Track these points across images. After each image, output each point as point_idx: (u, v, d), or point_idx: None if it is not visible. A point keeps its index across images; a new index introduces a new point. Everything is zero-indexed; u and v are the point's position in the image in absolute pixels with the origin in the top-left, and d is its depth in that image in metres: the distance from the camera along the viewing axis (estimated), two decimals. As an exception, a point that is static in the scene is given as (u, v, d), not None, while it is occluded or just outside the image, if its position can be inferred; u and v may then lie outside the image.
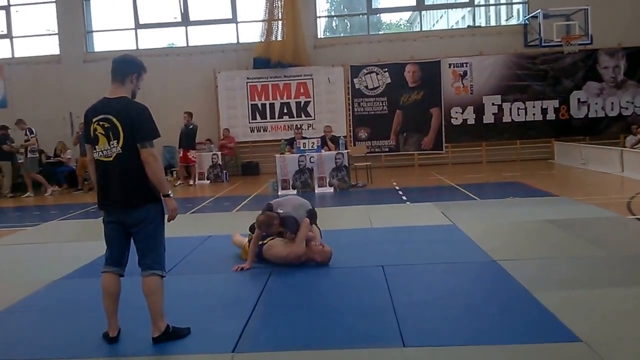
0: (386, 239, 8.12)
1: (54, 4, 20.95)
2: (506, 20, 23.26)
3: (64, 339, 4.78)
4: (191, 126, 17.78)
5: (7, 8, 21.31)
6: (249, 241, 6.99)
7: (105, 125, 4.39)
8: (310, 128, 19.66)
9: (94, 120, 4.44)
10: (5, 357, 4.48)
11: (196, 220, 10.60)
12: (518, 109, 19.83)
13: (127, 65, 4.55)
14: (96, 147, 4.45)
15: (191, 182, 17.60)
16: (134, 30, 20.99)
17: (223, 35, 21.08)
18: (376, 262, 6.78)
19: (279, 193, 14.15)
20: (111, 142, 4.39)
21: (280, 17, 19.85)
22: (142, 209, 4.44)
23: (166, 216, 4.60)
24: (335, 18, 23.41)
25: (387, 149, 20.08)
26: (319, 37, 20.99)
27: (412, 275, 6.25)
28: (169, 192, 4.59)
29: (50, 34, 21.16)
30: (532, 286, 5.51)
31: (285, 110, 20.18)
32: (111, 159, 4.41)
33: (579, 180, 14.66)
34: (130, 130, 4.36)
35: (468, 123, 19.90)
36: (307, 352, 4.32)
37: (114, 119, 4.37)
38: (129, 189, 4.41)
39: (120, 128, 4.36)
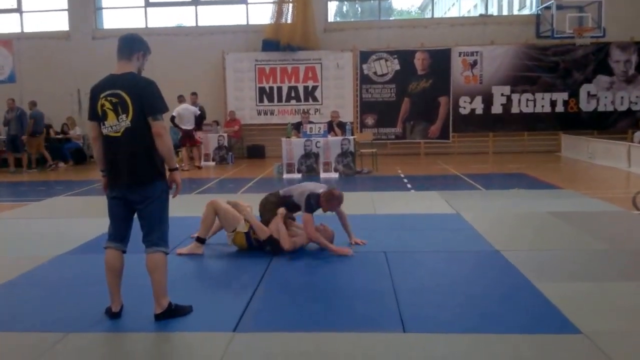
0: (389, 225, 8.13)
1: (65, -21, 20.92)
2: (518, 10, 23.14)
3: (67, 313, 4.81)
4: (197, 107, 17.71)
5: (17, -18, 21.28)
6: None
7: (114, 100, 4.39)
8: (317, 113, 19.63)
9: (101, 96, 4.44)
10: (8, 329, 4.51)
11: (200, 201, 10.56)
12: (527, 100, 19.74)
13: (133, 43, 4.56)
14: (105, 122, 4.45)
15: (197, 163, 17.52)
16: (143, 8, 20.93)
17: (233, 16, 21.00)
18: (379, 248, 6.79)
19: (284, 176, 14.18)
20: (120, 117, 4.39)
21: (290, 0, 19.77)
22: (149, 186, 4.46)
23: (171, 191, 4.62)
24: (345, 2, 23.28)
25: (393, 137, 20.03)
26: (329, 20, 20.90)
27: (415, 262, 6.26)
28: (177, 165, 4.62)
29: (59, 10, 21.09)
30: (535, 277, 5.51)
31: (292, 94, 20.14)
32: (119, 134, 4.42)
33: (585, 174, 14.61)
34: (139, 104, 4.37)
35: (476, 113, 19.83)
36: (307, 334, 4.33)
37: (123, 93, 4.37)
38: (137, 165, 4.42)
39: (129, 102, 4.37)
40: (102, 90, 4.46)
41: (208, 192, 11.88)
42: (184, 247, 6.83)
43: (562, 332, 4.24)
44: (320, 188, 6.90)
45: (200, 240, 6.73)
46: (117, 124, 4.41)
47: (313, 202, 6.69)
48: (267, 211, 6.90)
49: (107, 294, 4.70)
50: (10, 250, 7.20)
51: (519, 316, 4.58)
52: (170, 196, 4.63)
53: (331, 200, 6.73)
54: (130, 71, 4.49)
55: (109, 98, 4.40)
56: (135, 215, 4.62)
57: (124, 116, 4.38)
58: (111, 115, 4.41)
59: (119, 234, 4.63)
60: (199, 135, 17.58)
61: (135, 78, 4.47)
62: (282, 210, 6.78)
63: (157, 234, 4.53)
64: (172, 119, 16.21)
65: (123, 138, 4.42)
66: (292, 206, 6.90)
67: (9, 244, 7.56)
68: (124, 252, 4.67)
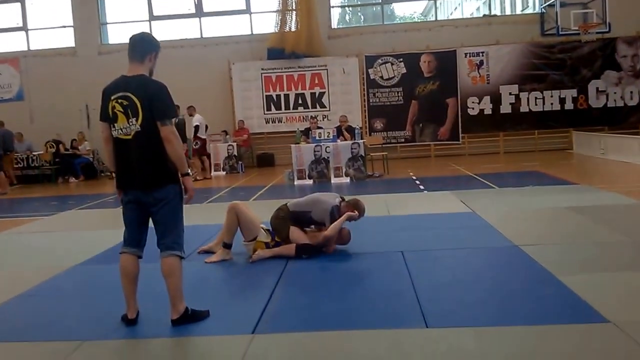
0: (405, 226, 8.03)
1: (69, -4, 21.00)
2: (522, 10, 23.04)
3: (82, 322, 4.74)
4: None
5: (22, 0, 21.38)
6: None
7: (124, 103, 4.33)
8: (325, 119, 19.59)
9: (112, 98, 4.38)
10: (24, 339, 4.45)
11: (213, 210, 10.55)
12: (536, 98, 19.66)
13: (145, 44, 4.51)
14: (115, 125, 4.39)
15: (208, 175, 17.35)
16: (148, 22, 20.98)
17: (237, 26, 21.00)
18: (395, 247, 6.69)
19: (295, 183, 14.11)
20: (130, 120, 4.33)
21: (294, 7, 19.79)
22: (162, 189, 4.39)
23: (185, 197, 4.54)
24: (348, 10, 23.26)
25: (402, 140, 19.97)
26: (333, 27, 20.88)
27: (433, 260, 6.16)
28: (188, 171, 4.54)
29: (65, 27, 21.16)
30: (557, 270, 5.40)
31: (300, 101, 20.13)
32: (130, 136, 4.35)
33: (598, 169, 14.48)
34: (149, 108, 4.30)
35: (485, 113, 19.76)
36: (327, 333, 4.24)
37: (133, 97, 4.31)
38: (149, 168, 4.36)
39: (139, 105, 4.31)
40: (113, 91, 4.40)
41: (220, 201, 11.82)
42: (199, 256, 6.75)
43: (591, 322, 4.13)
44: (333, 197, 6.77)
45: (227, 246, 6.57)
46: (127, 127, 4.35)
47: (336, 216, 6.56)
48: (282, 228, 6.73)
49: (123, 301, 4.62)
50: (26, 262, 7.15)
51: (544, 308, 4.48)
52: (184, 202, 4.56)
53: (357, 209, 6.61)
54: (141, 74, 4.43)
55: (119, 100, 4.35)
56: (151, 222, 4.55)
57: (134, 120, 4.33)
58: (122, 117, 4.35)
59: (134, 239, 4.56)
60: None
61: (147, 82, 4.40)
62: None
63: (171, 237, 4.45)
64: (197, 128, 16.31)
65: (133, 141, 4.36)
66: (307, 222, 6.74)
67: (24, 257, 7.52)
68: (140, 257, 4.59)
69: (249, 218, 6.60)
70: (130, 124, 4.34)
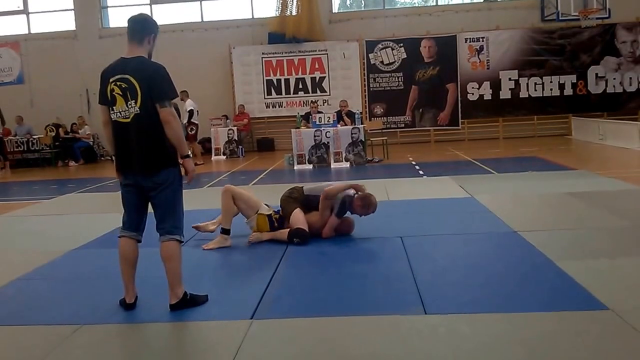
0: (404, 211, 8.04)
1: (69, -21, 20.89)
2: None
3: (81, 305, 4.75)
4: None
5: (22, -16, 21.27)
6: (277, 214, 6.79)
7: (123, 86, 4.30)
8: (325, 104, 19.55)
9: (110, 80, 4.35)
10: (23, 323, 4.46)
11: (213, 194, 10.53)
12: (535, 84, 19.64)
13: (144, 26, 4.47)
14: (114, 107, 4.37)
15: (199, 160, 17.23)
16: (149, 6, 20.85)
17: (238, 10, 20.90)
18: (394, 233, 6.69)
19: (295, 168, 14.12)
20: (129, 103, 4.31)
21: (294, -8, 19.69)
22: (161, 173, 4.36)
23: (185, 178, 4.53)
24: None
25: (402, 125, 19.95)
26: (333, 11, 20.79)
27: (432, 245, 6.17)
28: (188, 152, 4.51)
29: (66, 10, 21.06)
30: (556, 256, 5.40)
31: (300, 86, 20.10)
32: (129, 120, 4.33)
33: (597, 154, 14.48)
34: (147, 90, 4.27)
35: (484, 98, 19.74)
36: (327, 319, 4.25)
37: (132, 79, 4.28)
38: (148, 151, 4.34)
39: (138, 88, 4.28)
40: (111, 74, 4.37)
41: (220, 185, 11.76)
42: (199, 241, 6.74)
43: (589, 309, 4.13)
44: (349, 190, 6.69)
45: (226, 232, 6.51)
46: (126, 110, 4.33)
47: (348, 208, 6.55)
48: (288, 207, 6.69)
49: (121, 286, 4.62)
50: (25, 246, 7.15)
51: (542, 294, 4.48)
52: (185, 181, 4.54)
53: (368, 207, 6.56)
54: (140, 55, 4.40)
55: (118, 83, 4.32)
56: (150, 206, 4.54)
57: (132, 102, 4.30)
58: (120, 100, 4.33)
59: (133, 223, 4.55)
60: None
61: (145, 63, 4.37)
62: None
63: (170, 221, 4.44)
64: (191, 113, 16.23)
65: (132, 124, 4.33)
66: (317, 207, 6.67)
67: (23, 240, 7.53)
68: (139, 241, 4.59)
69: (245, 197, 6.65)
70: (129, 106, 4.31)
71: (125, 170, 4.47)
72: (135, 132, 4.34)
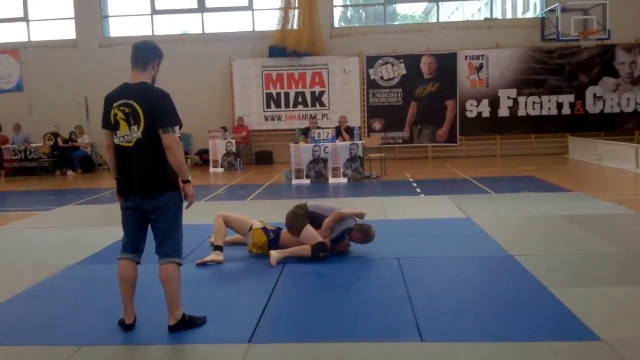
0: (401, 231, 8.08)
1: (71, -12, 20.97)
2: (522, 13, 23.09)
3: (79, 326, 4.78)
4: None
5: (23, -9, 21.33)
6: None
7: (126, 110, 4.36)
8: (324, 118, 19.62)
9: (114, 105, 4.42)
10: (19, 342, 4.48)
11: (211, 208, 10.57)
12: (533, 103, 19.72)
13: (149, 52, 4.53)
14: (117, 132, 4.43)
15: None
16: (150, 16, 20.98)
17: (239, 23, 21.00)
18: (391, 254, 6.76)
19: (293, 182, 14.16)
20: (132, 127, 4.37)
21: (296, 6, 19.80)
22: (162, 196, 4.42)
23: (184, 203, 4.59)
24: (350, 8, 23.28)
25: (400, 141, 20.01)
26: (334, 26, 20.90)
27: (428, 269, 6.21)
28: (189, 178, 4.57)
29: (66, 19, 21.13)
30: (550, 282, 5.47)
31: (300, 100, 20.15)
32: (131, 144, 4.39)
33: (593, 176, 14.54)
34: (150, 116, 4.33)
35: (483, 116, 19.81)
36: (324, 344, 4.29)
37: (135, 104, 4.35)
38: (149, 175, 4.40)
39: (141, 113, 4.34)
40: (115, 99, 4.44)
41: (218, 199, 11.85)
42: (197, 256, 6.79)
43: (582, 340, 4.19)
44: (352, 219, 6.89)
45: (218, 248, 6.72)
46: (129, 134, 4.39)
47: (346, 236, 6.82)
48: (298, 221, 6.82)
49: (120, 305, 4.66)
50: (22, 260, 7.17)
51: (537, 323, 4.53)
52: (184, 207, 4.61)
53: (366, 239, 6.84)
54: (144, 81, 4.46)
55: (121, 108, 4.38)
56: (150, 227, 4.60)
57: (135, 127, 4.36)
58: (123, 125, 4.39)
59: (133, 245, 4.60)
60: None
61: (149, 89, 4.43)
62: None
63: (170, 244, 4.50)
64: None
65: (135, 149, 4.39)
66: (319, 225, 6.83)
67: (20, 254, 7.54)
68: (138, 263, 4.64)
69: (237, 219, 7.00)
70: (132, 131, 4.37)
71: (126, 193, 4.53)
72: (137, 156, 4.40)
